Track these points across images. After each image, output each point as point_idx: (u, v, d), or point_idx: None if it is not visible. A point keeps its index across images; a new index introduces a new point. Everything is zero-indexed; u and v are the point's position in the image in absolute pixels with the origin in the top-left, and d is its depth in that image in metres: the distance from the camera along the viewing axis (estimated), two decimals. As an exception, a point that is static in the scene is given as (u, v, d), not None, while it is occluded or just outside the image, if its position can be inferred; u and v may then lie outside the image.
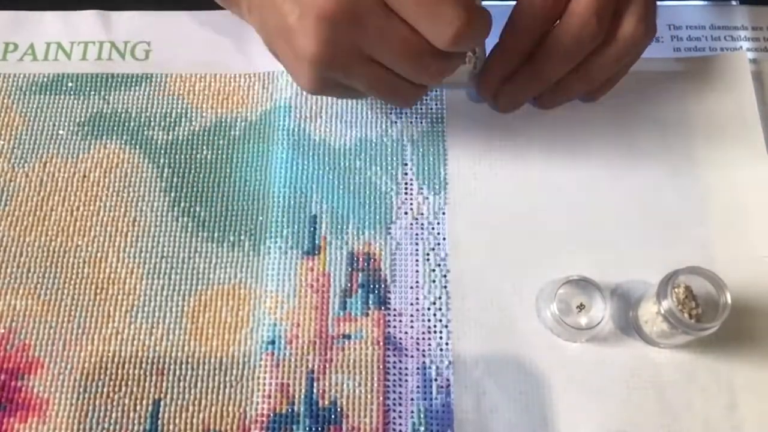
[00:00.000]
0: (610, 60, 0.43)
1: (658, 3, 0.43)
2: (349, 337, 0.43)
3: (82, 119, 0.49)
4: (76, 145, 0.48)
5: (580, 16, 0.40)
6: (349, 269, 0.45)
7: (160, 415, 0.41)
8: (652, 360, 0.42)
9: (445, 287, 0.44)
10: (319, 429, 0.41)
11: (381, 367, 0.42)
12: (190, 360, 0.42)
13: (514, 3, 0.42)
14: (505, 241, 0.45)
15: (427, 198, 0.47)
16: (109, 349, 0.43)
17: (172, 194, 0.47)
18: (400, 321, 0.43)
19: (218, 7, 0.48)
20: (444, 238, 0.45)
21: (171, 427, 0.41)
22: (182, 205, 0.46)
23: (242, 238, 0.45)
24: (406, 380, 0.42)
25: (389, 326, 0.43)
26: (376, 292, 0.44)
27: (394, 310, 0.44)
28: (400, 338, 0.43)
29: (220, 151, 0.48)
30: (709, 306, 0.41)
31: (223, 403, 0.41)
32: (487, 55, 0.45)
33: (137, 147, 0.48)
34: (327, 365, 0.42)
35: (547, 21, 0.42)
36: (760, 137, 0.48)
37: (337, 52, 0.36)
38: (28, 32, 0.52)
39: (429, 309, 0.44)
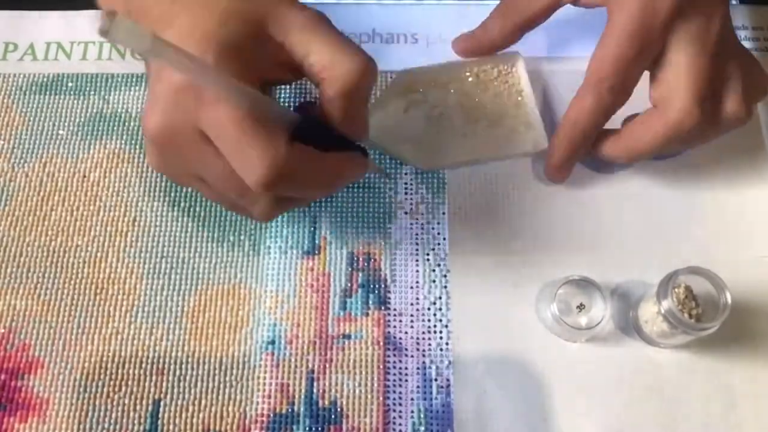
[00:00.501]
0: (710, 139, 0.43)
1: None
2: (349, 337, 0.43)
3: (82, 119, 0.49)
4: (76, 145, 0.48)
5: (681, 108, 0.40)
6: (349, 269, 0.45)
7: (160, 415, 0.41)
8: (652, 360, 0.42)
9: (445, 287, 0.44)
10: (319, 429, 0.41)
11: (381, 367, 0.42)
12: (190, 360, 0.42)
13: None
14: (505, 241, 0.45)
15: (427, 198, 0.47)
16: (109, 348, 0.43)
17: (172, 194, 0.47)
18: (400, 321, 0.43)
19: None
20: (444, 238, 0.45)
21: (171, 426, 0.41)
22: (182, 205, 0.46)
23: (242, 238, 0.45)
24: (406, 380, 0.42)
25: (389, 326, 0.43)
26: (376, 292, 0.44)
27: (394, 310, 0.44)
28: (400, 338, 0.43)
29: (220, 151, 0.48)
30: (709, 306, 0.41)
31: (223, 403, 0.41)
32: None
33: (137, 147, 0.48)
34: (327, 365, 0.42)
35: (606, 114, 0.42)
36: (760, 137, 0.48)
37: (167, 168, 0.36)
38: (28, 32, 0.52)
39: (429, 309, 0.44)
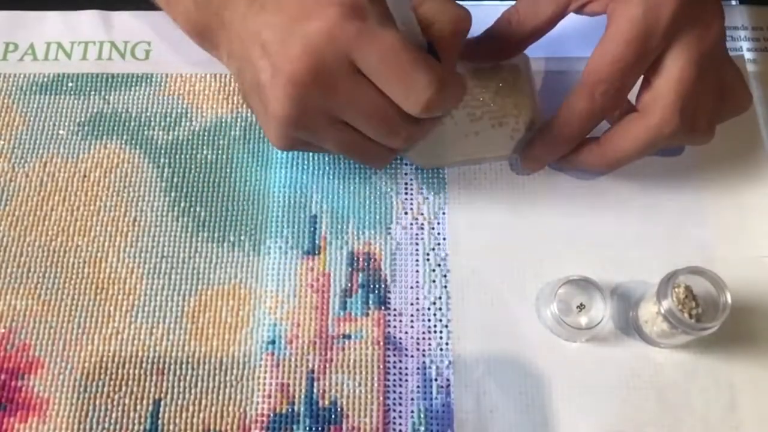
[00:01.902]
0: (681, 143, 0.44)
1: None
2: (349, 336, 0.43)
3: (83, 119, 0.49)
4: (76, 145, 0.48)
5: (663, 115, 0.40)
6: (349, 269, 0.45)
7: (161, 415, 0.41)
8: (652, 360, 0.42)
9: (445, 287, 0.44)
10: (320, 429, 0.41)
11: (381, 366, 0.42)
12: (190, 360, 0.42)
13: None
14: (505, 241, 0.45)
15: (427, 198, 0.47)
16: (110, 348, 0.43)
17: (173, 194, 0.47)
18: (400, 321, 0.43)
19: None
20: (444, 238, 0.45)
21: (171, 426, 0.41)
22: (182, 205, 0.46)
23: (242, 238, 0.45)
24: (406, 380, 0.42)
25: (389, 326, 0.43)
26: (376, 292, 0.44)
27: (394, 310, 0.44)
28: (400, 338, 0.43)
29: (220, 151, 0.48)
30: (709, 306, 0.41)
31: (224, 403, 0.41)
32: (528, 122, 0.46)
33: (137, 147, 0.48)
34: (327, 365, 0.42)
35: (596, 119, 0.42)
36: (760, 137, 0.48)
37: (306, 114, 0.36)
38: (28, 32, 0.52)
39: (429, 309, 0.44)
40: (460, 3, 0.40)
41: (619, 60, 0.40)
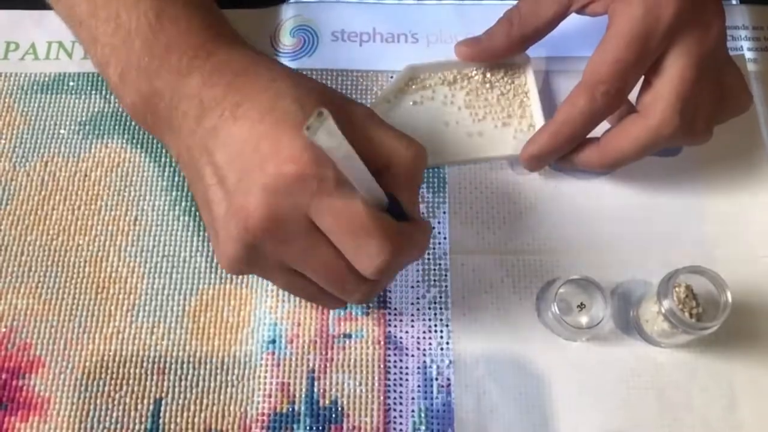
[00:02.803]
0: (680, 144, 0.44)
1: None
2: (349, 336, 0.43)
3: (84, 118, 0.49)
4: (77, 145, 0.48)
5: (663, 115, 0.40)
6: (350, 269, 0.45)
7: (162, 414, 0.41)
8: (653, 360, 0.42)
9: (446, 287, 0.44)
10: (320, 428, 0.41)
11: (382, 366, 0.42)
12: (191, 359, 0.42)
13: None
14: (506, 241, 0.45)
15: (428, 198, 0.47)
16: (111, 348, 0.43)
17: (174, 193, 0.47)
18: (401, 320, 0.43)
19: (219, 6, 0.48)
20: (444, 238, 0.45)
21: (172, 426, 0.41)
22: (183, 204, 0.46)
23: (243, 237, 0.45)
24: (407, 379, 0.42)
25: (390, 325, 0.43)
26: (377, 291, 0.44)
27: (395, 309, 0.44)
28: (401, 337, 0.43)
29: (221, 151, 0.48)
30: (710, 305, 0.41)
31: (224, 402, 0.41)
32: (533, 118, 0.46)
33: (139, 146, 0.48)
34: (328, 364, 0.42)
35: (596, 119, 0.42)
36: (760, 137, 0.48)
37: (256, 259, 0.35)
38: (29, 31, 0.52)
39: (429, 308, 0.44)
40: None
41: (620, 60, 0.40)
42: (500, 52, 0.47)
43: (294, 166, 0.32)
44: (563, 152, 0.45)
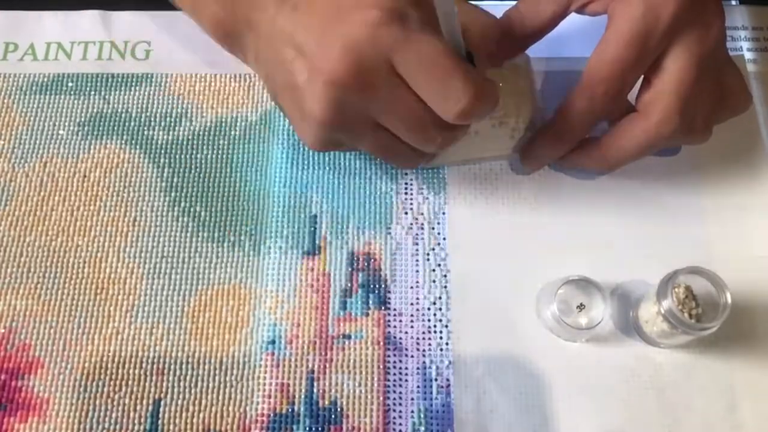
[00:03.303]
0: (679, 143, 0.44)
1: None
2: (349, 337, 0.43)
3: (83, 119, 0.49)
4: (76, 145, 0.48)
5: (663, 114, 0.40)
6: (350, 269, 0.45)
7: (161, 415, 0.41)
8: (653, 360, 0.42)
9: (445, 287, 0.44)
10: (320, 429, 0.41)
11: (381, 367, 0.42)
12: (190, 360, 0.42)
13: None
14: (505, 241, 0.45)
15: (427, 198, 0.47)
16: (110, 348, 0.43)
17: (173, 194, 0.47)
18: (401, 321, 0.43)
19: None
20: (444, 238, 0.45)
21: (171, 426, 0.41)
22: (182, 205, 0.46)
23: (242, 238, 0.45)
24: (407, 380, 0.42)
25: (389, 326, 0.43)
26: (377, 292, 0.44)
27: (395, 310, 0.44)
28: (401, 338, 0.43)
29: (220, 151, 0.48)
30: (709, 306, 0.41)
31: (224, 402, 0.41)
32: (528, 123, 0.46)
33: (137, 147, 0.48)
34: (327, 365, 0.42)
35: (595, 118, 0.42)
36: (760, 137, 0.48)
37: (343, 115, 0.36)
38: (28, 32, 0.52)
39: (429, 309, 0.44)
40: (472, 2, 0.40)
41: (619, 60, 0.40)
42: (500, 52, 0.47)
43: (376, 9, 0.33)
44: (562, 152, 0.45)
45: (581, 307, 0.43)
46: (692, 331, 0.40)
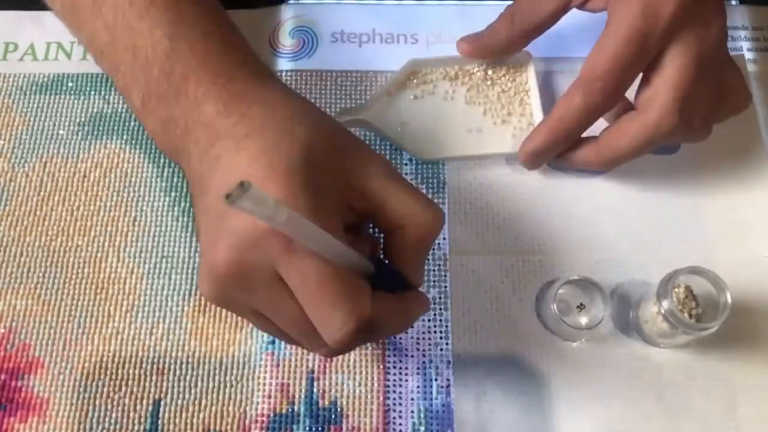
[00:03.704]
0: (678, 141, 0.44)
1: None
2: (349, 337, 0.43)
3: (83, 119, 0.49)
4: (76, 145, 0.48)
5: (661, 111, 0.40)
6: (350, 269, 0.45)
7: (161, 415, 0.41)
8: (653, 360, 0.42)
9: (445, 287, 0.44)
10: (320, 429, 0.41)
11: (381, 366, 0.42)
12: (190, 360, 0.42)
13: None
14: (505, 241, 0.45)
15: (428, 198, 0.47)
16: (110, 348, 0.43)
17: (173, 194, 0.47)
18: (401, 321, 0.43)
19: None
20: (444, 238, 0.45)
21: (171, 426, 0.41)
22: (182, 204, 0.46)
23: (242, 238, 0.45)
24: (407, 380, 0.42)
25: (389, 326, 0.43)
26: (377, 292, 0.44)
27: (395, 310, 0.44)
28: (401, 338, 0.43)
29: (220, 151, 0.48)
30: (710, 306, 0.41)
31: (224, 402, 0.41)
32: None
33: (137, 147, 0.48)
34: (327, 365, 0.42)
35: (593, 115, 0.42)
36: (760, 137, 0.48)
37: (227, 301, 0.34)
38: (28, 32, 0.52)
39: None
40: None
41: (617, 57, 0.40)
42: (501, 48, 0.47)
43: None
44: (560, 149, 0.44)
45: (581, 307, 0.43)
46: (692, 331, 0.40)
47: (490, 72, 0.48)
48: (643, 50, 0.40)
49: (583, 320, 0.43)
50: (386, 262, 0.35)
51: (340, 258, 0.31)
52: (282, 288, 0.32)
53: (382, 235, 0.36)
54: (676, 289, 0.41)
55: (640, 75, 0.42)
